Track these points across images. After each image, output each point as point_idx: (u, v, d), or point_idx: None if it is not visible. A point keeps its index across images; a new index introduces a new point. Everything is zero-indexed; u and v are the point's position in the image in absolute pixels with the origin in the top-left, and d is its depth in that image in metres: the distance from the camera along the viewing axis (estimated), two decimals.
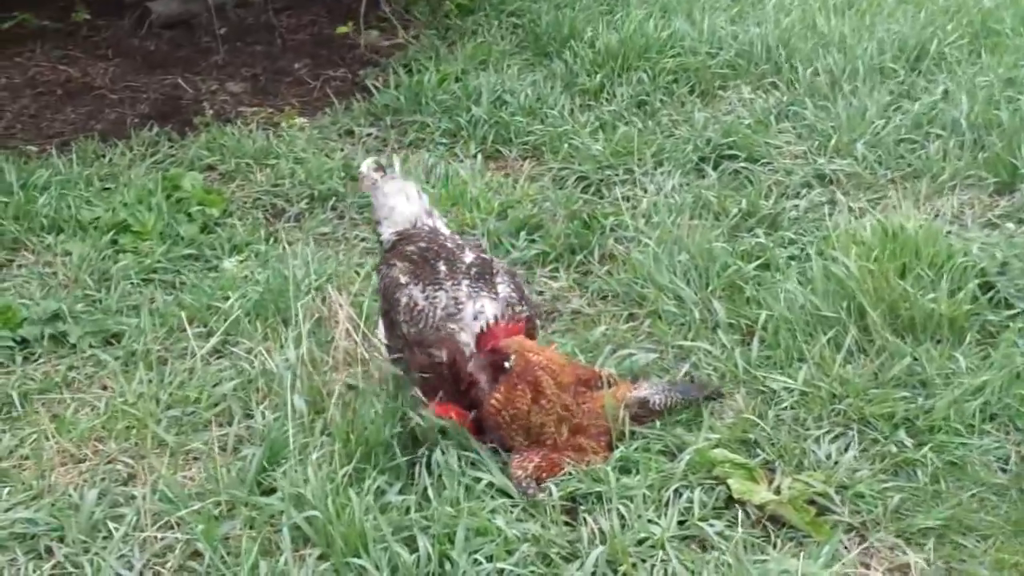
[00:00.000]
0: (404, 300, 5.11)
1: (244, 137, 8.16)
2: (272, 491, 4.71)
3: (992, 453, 5.03)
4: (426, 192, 5.78)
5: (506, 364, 4.91)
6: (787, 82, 8.69)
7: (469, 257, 5.27)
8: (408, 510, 4.55)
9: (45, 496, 4.85)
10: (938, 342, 5.60)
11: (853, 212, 6.85)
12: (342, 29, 10.01)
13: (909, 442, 5.03)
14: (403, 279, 5.17)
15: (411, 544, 4.35)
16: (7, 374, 5.73)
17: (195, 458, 5.08)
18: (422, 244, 5.35)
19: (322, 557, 4.37)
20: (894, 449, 5.01)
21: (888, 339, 5.54)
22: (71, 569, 4.51)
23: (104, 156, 7.94)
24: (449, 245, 5.36)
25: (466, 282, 5.11)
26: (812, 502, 4.70)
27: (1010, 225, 6.68)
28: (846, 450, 5.01)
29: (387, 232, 5.55)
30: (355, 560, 4.27)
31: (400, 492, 4.67)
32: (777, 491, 4.72)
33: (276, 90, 9.34)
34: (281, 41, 10.24)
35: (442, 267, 5.19)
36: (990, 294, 5.89)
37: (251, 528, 4.55)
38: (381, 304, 5.31)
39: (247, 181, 7.69)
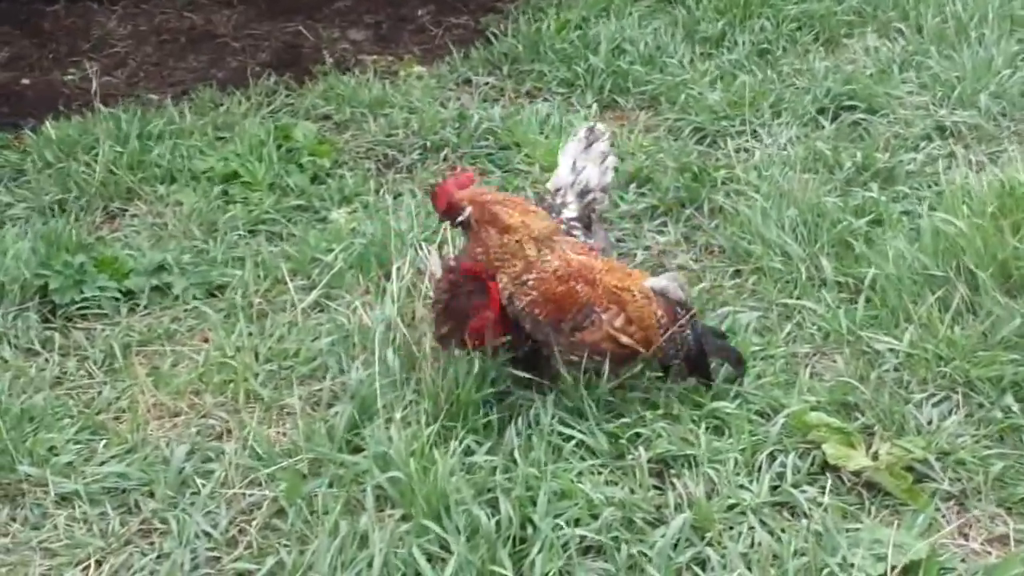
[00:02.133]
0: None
1: (361, 86, 8.09)
2: (360, 449, 4.68)
3: None
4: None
5: (461, 218, 4.85)
6: (914, 29, 8.45)
7: None
8: (494, 471, 4.49)
9: (138, 450, 4.85)
10: None
11: (972, 166, 6.64)
12: None
13: (1016, 407, 4.88)
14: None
15: (494, 505, 4.29)
16: (112, 326, 5.72)
17: (288, 413, 5.04)
18: None
19: (404, 518, 4.31)
20: (999, 415, 4.86)
21: (999, 299, 5.36)
22: (158, 525, 4.51)
23: (221, 105, 7.91)
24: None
25: None
26: (910, 468, 4.58)
27: None
28: (949, 415, 4.88)
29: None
30: (433, 525, 4.20)
31: (488, 452, 4.61)
32: (875, 457, 4.60)
33: (397, 38, 9.24)
34: None
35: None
36: None
37: (336, 487, 4.52)
38: None
39: (361, 131, 7.61)
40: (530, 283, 4.75)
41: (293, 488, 4.48)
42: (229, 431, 4.97)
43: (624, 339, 4.81)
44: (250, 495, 4.58)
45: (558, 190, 5.46)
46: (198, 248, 6.29)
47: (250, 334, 5.53)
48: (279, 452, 4.74)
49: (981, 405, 4.93)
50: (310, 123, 7.56)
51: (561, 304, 4.77)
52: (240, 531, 4.47)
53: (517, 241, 4.77)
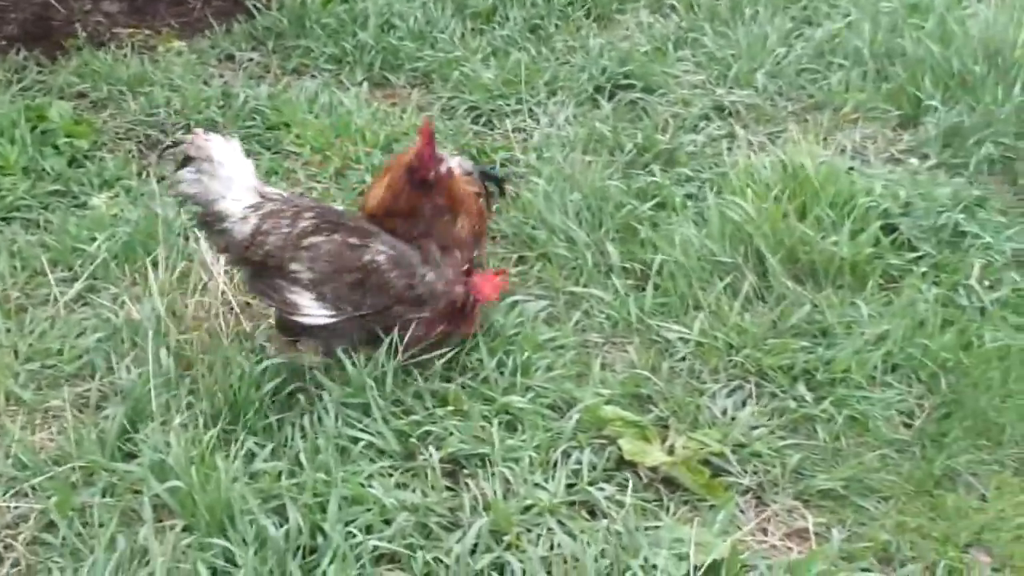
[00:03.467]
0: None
1: (118, 62, 7.77)
2: (134, 456, 4.45)
3: (895, 407, 4.92)
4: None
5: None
6: (686, 5, 8.44)
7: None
8: (280, 476, 4.32)
9: None
10: (839, 288, 5.46)
11: (752, 147, 6.67)
12: None
13: (809, 396, 4.90)
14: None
15: (281, 514, 4.13)
16: None
17: (54, 416, 4.80)
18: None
19: (185, 529, 4.12)
20: (793, 404, 4.88)
21: (787, 285, 5.39)
22: None
23: None
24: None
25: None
26: (707, 462, 4.55)
27: (914, 161, 6.54)
28: (743, 405, 4.89)
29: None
30: (218, 540, 4.03)
31: (272, 455, 4.44)
32: (671, 451, 4.56)
33: (153, 10, 8.88)
34: None
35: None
36: (893, 236, 5.73)
37: (111, 497, 4.30)
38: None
39: (120, 110, 7.32)
40: None
41: (63, 499, 4.25)
42: None
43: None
44: (16, 507, 4.34)
45: None
46: None
47: (8, 330, 5.25)
48: (46, 460, 4.49)
49: (774, 395, 4.93)
50: (65, 102, 7.21)
51: None
52: (6, 547, 4.23)
53: None
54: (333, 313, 4.72)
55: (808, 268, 5.49)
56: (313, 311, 4.71)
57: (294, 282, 4.71)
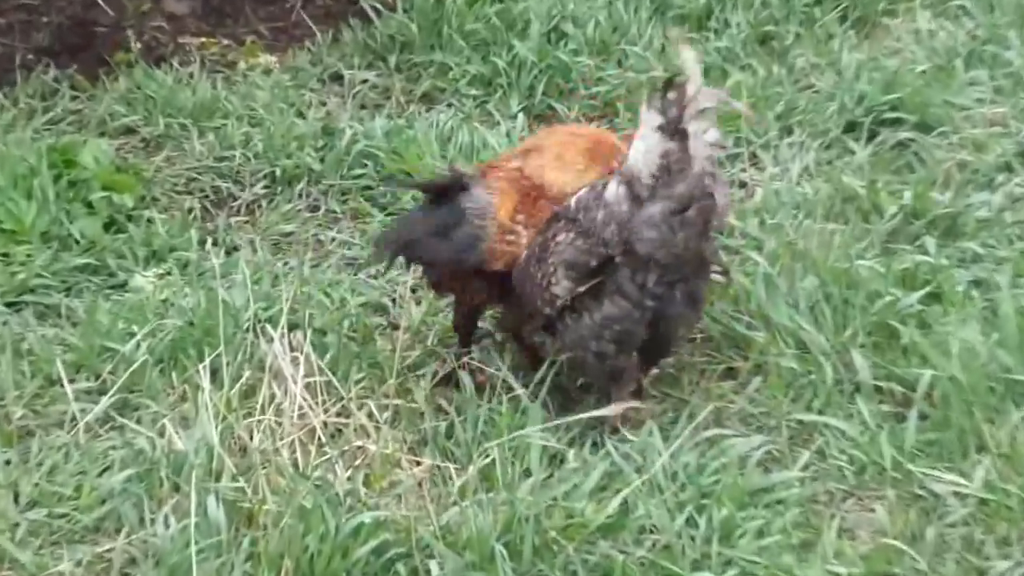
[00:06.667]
0: None
1: (181, 85, 7.89)
2: None
3: None
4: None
5: None
6: (984, 7, 8.32)
7: None
8: None
9: None
10: None
11: None
12: None
13: None
14: None
15: None
16: None
17: None
18: None
19: None
20: None
21: None
22: None
23: None
24: None
25: None
26: None
27: None
28: None
29: None
30: None
31: None
32: None
33: (236, 13, 9.02)
34: None
35: None
36: None
37: None
38: None
39: (180, 152, 7.43)
40: None
41: None
42: None
43: None
44: None
45: None
46: None
47: (7, 463, 5.28)
48: None
49: None
50: (105, 140, 7.33)
51: None
52: None
53: None
54: None
55: None
56: None
57: None
